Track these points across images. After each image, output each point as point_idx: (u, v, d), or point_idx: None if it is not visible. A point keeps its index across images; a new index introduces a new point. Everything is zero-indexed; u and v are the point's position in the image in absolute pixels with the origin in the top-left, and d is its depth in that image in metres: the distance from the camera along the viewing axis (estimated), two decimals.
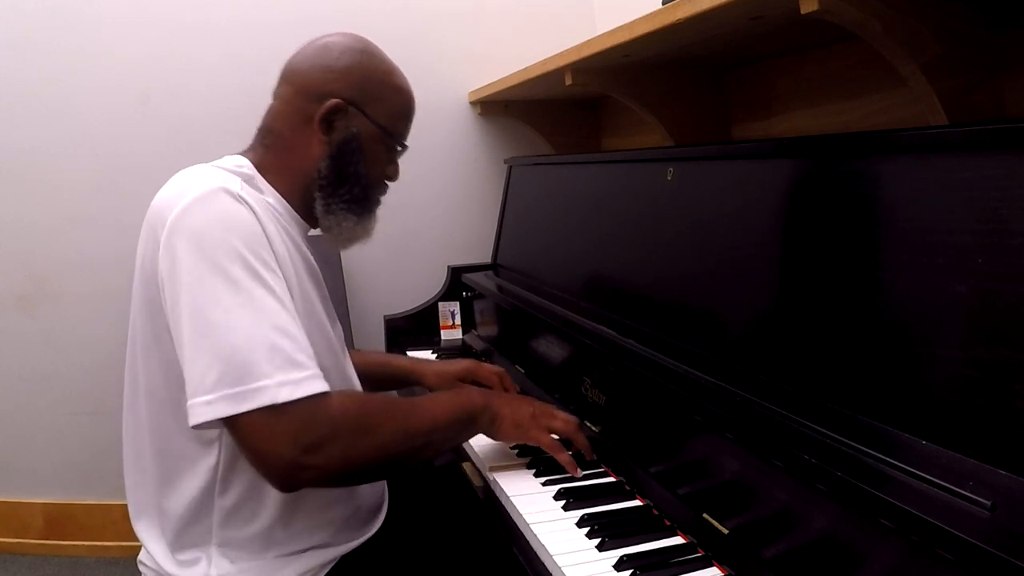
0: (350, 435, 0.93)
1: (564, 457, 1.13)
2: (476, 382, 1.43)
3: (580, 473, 1.13)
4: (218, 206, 0.94)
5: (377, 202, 1.17)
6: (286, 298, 0.95)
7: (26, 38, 2.15)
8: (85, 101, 2.19)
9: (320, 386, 0.92)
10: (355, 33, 1.14)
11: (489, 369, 1.47)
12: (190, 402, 0.89)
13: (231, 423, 0.90)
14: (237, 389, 0.88)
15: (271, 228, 0.99)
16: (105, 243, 2.19)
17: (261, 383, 0.88)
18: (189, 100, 2.20)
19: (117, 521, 2.26)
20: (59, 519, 2.34)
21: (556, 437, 1.15)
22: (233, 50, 2.18)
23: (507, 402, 1.15)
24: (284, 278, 0.98)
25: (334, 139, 1.09)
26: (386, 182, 1.18)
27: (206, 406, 0.88)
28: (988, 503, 0.64)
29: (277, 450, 0.89)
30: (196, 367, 0.89)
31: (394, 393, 1.59)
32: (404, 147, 1.17)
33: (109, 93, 2.19)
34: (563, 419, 1.17)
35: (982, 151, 0.75)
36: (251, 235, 0.95)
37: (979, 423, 0.70)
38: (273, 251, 0.97)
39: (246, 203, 0.96)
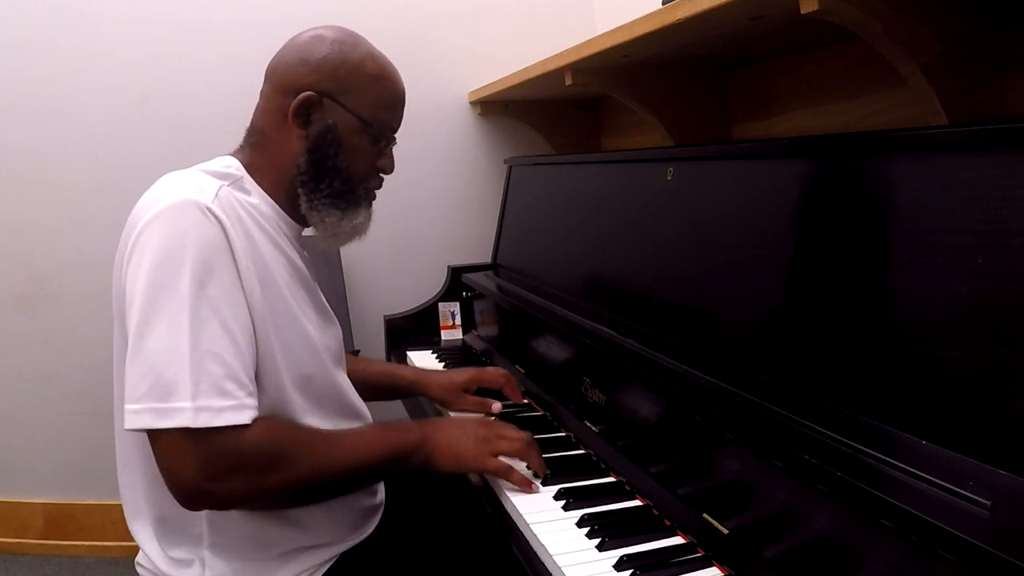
0: (258, 470, 0.94)
1: (516, 477, 1.10)
2: (485, 389, 1.45)
3: (538, 489, 1.10)
4: (182, 220, 0.94)
5: (365, 195, 1.14)
6: (238, 320, 0.95)
7: (26, 38, 2.15)
8: (85, 101, 2.19)
9: (242, 417, 0.92)
10: (337, 25, 1.12)
11: (494, 373, 1.47)
12: (124, 406, 0.92)
13: (150, 435, 0.92)
14: (160, 405, 0.90)
15: (241, 239, 0.98)
16: (105, 243, 2.16)
17: (181, 404, 0.90)
18: (189, 100, 2.20)
19: (117, 521, 2.23)
20: (59, 519, 2.34)
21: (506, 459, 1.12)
22: (233, 50, 2.18)
23: (446, 434, 1.11)
24: (249, 292, 0.97)
25: (311, 133, 1.08)
26: (380, 175, 1.16)
27: (134, 414, 0.91)
28: (988, 503, 0.64)
29: (182, 472, 0.91)
30: (132, 375, 0.92)
31: (401, 411, 1.57)
32: (392, 137, 1.15)
33: (109, 93, 2.19)
34: (511, 439, 1.13)
35: (982, 151, 0.75)
36: (209, 251, 0.94)
37: (979, 423, 0.70)
38: (237, 265, 0.97)
39: (214, 216, 0.96)
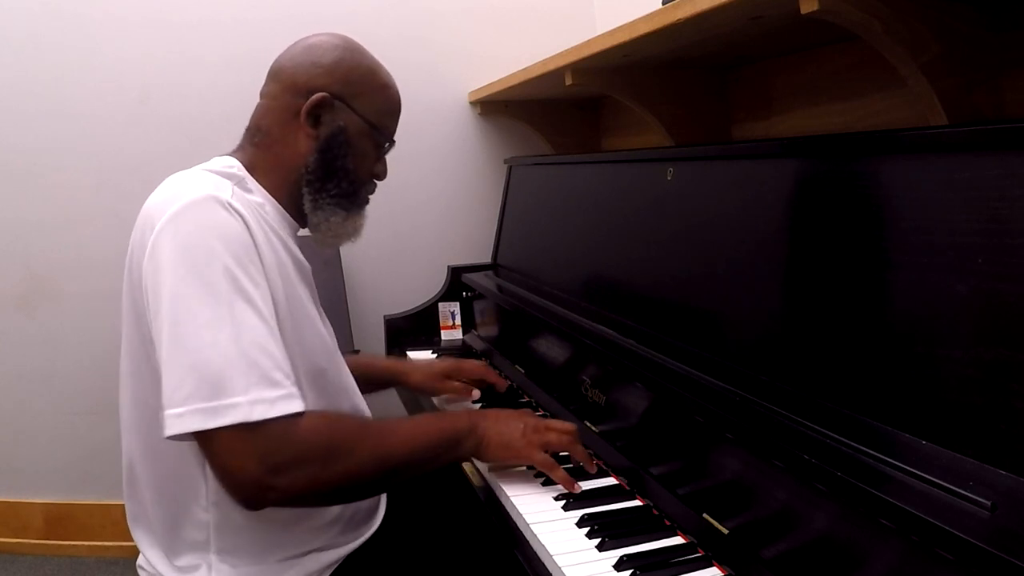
0: (319, 458, 0.92)
1: (559, 474, 1.09)
2: (485, 382, 1.45)
3: (578, 489, 1.08)
4: (207, 215, 0.93)
5: (366, 200, 1.17)
6: (269, 312, 0.94)
7: (26, 38, 2.15)
8: (84, 100, 2.19)
9: (294, 406, 0.91)
10: (340, 33, 1.15)
11: (472, 364, 1.49)
12: (164, 412, 0.88)
13: (201, 437, 0.89)
14: (210, 404, 0.87)
15: (259, 235, 0.98)
16: (105, 243, 2.19)
17: (235, 399, 0.87)
18: (188, 99, 2.20)
19: (117, 521, 2.25)
20: (59, 519, 2.34)
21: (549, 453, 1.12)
22: (232, 49, 2.18)
23: (494, 422, 1.11)
24: (272, 287, 0.97)
25: (321, 133, 1.09)
26: (375, 180, 1.18)
27: (177, 418, 0.87)
28: (988, 503, 0.64)
29: (244, 468, 0.88)
30: (171, 378, 0.88)
31: (394, 412, 1.58)
32: (391, 143, 1.17)
33: (108, 92, 2.19)
34: (558, 431, 1.13)
35: (982, 151, 0.75)
36: (238, 246, 0.93)
37: (979, 423, 0.70)
38: (261, 260, 0.96)
39: (236, 211, 0.95)
